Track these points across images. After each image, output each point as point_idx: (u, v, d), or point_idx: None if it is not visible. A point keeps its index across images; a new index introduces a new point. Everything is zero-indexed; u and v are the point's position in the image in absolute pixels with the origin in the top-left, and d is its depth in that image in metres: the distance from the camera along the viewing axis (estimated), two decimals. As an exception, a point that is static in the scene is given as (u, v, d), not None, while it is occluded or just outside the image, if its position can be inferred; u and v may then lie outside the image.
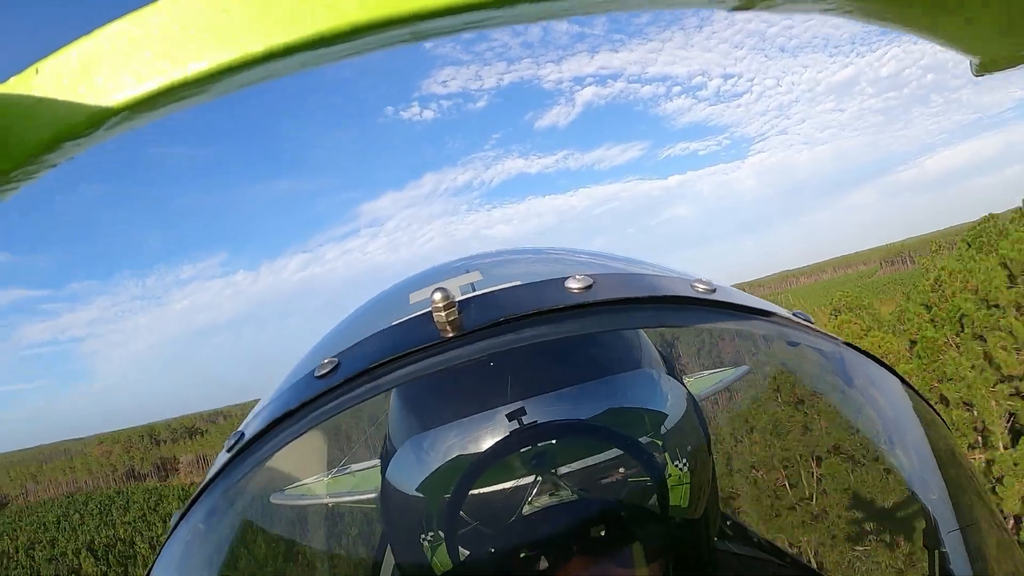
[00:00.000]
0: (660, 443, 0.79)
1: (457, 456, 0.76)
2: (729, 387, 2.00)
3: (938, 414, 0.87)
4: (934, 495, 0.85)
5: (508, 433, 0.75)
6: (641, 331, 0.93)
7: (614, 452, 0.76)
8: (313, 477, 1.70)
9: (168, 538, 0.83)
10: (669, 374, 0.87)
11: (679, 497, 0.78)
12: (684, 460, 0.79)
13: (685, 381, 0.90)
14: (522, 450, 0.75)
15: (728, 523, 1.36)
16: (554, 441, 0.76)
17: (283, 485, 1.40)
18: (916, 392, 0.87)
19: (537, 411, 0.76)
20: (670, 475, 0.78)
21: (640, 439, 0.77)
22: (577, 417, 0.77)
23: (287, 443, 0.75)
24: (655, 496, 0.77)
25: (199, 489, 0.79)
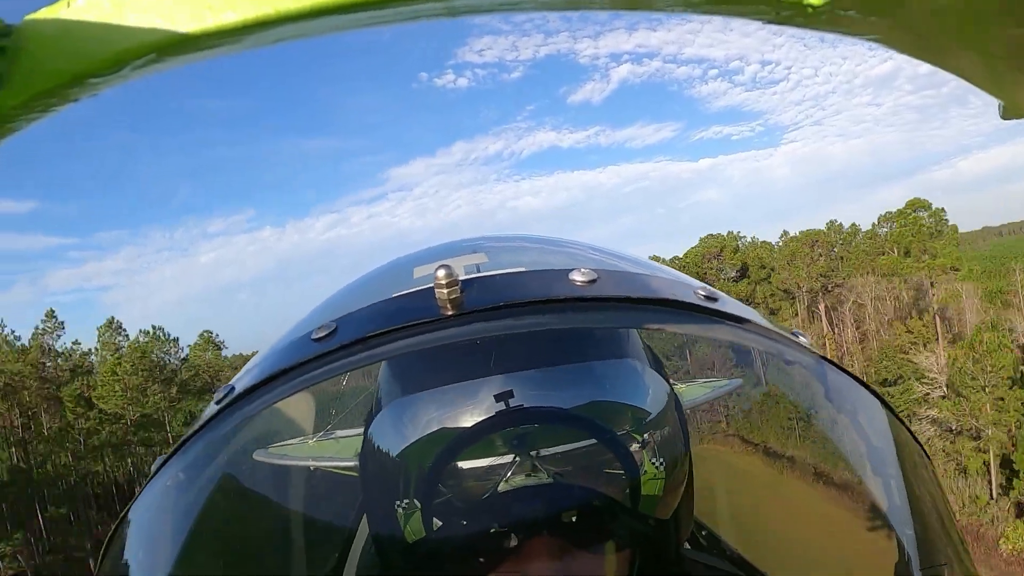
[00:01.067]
0: (639, 438, 0.79)
1: (440, 428, 0.77)
2: (718, 399, 2.01)
3: (916, 440, 0.88)
4: (908, 529, 0.85)
5: (494, 412, 0.75)
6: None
7: (593, 441, 0.77)
8: (298, 439, 1.71)
9: (148, 483, 0.84)
10: (654, 370, 0.87)
11: (652, 492, 0.79)
12: (661, 458, 0.80)
13: (676, 386, 0.90)
14: (505, 430, 0.75)
15: (703, 533, 1.36)
16: (536, 425, 0.76)
17: (268, 443, 1.41)
18: (897, 418, 0.88)
19: (523, 388, 0.76)
20: (646, 471, 0.78)
21: (620, 432, 0.78)
22: (561, 399, 0.77)
23: (276, 401, 0.76)
24: (629, 488, 0.77)
25: (184, 438, 0.80)
